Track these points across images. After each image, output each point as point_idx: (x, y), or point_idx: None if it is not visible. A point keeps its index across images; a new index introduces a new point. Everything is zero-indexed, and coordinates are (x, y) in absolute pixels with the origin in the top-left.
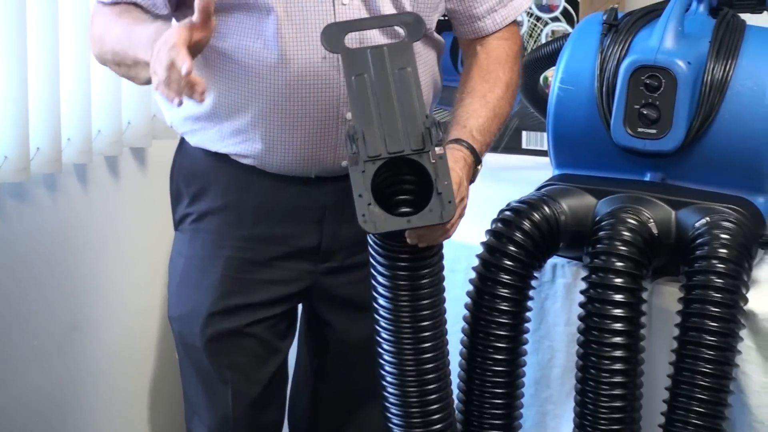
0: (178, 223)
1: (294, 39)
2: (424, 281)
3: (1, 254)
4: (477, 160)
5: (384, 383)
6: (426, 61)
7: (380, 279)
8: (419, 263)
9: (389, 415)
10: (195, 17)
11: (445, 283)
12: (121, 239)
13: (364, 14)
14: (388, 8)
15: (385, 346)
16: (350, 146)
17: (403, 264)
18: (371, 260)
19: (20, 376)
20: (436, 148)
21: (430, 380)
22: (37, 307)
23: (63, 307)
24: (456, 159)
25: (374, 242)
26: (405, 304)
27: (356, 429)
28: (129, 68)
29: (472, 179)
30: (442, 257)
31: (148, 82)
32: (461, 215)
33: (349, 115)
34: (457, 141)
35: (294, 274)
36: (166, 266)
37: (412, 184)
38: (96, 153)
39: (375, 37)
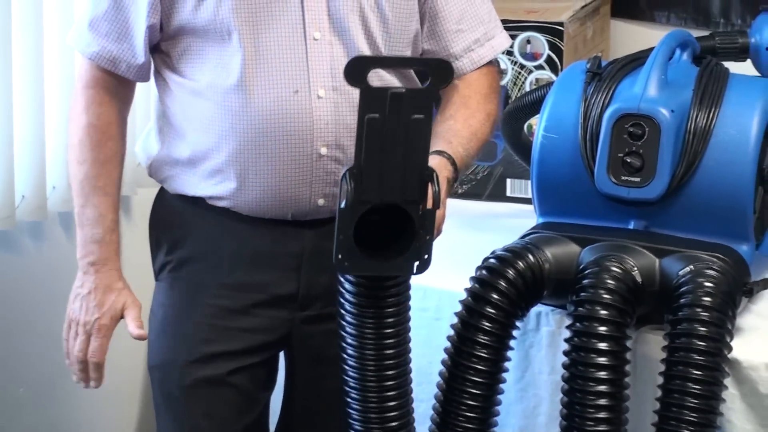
0: (158, 273)
1: (265, 74)
2: (390, 320)
3: None
4: (456, 177)
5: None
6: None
7: (347, 317)
8: (386, 300)
9: None
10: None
11: (429, 331)
12: None
13: (337, 50)
14: (362, 43)
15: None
16: (346, 184)
17: (369, 300)
18: (339, 295)
19: (6, 424)
20: (429, 201)
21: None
22: (24, 355)
23: (49, 355)
24: (441, 183)
25: (344, 278)
26: (370, 342)
27: None
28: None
29: (448, 194)
30: (409, 295)
31: None
32: (439, 234)
33: (323, 150)
34: (441, 153)
35: (272, 321)
36: (148, 315)
37: (393, 224)
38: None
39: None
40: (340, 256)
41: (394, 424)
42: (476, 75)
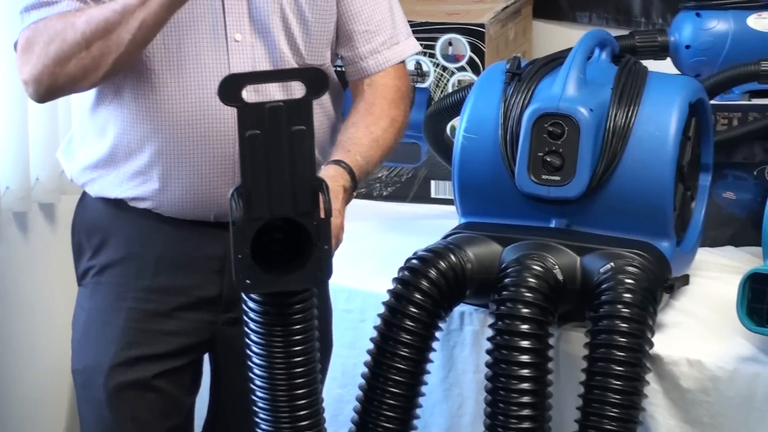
0: (80, 278)
1: (186, 75)
2: (298, 327)
3: None
4: (355, 186)
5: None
6: (320, 100)
7: (253, 336)
8: (292, 315)
9: None
10: None
11: (354, 333)
12: (31, 295)
13: (258, 51)
14: (283, 44)
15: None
16: (235, 204)
17: (276, 316)
18: (244, 314)
19: None
20: (322, 212)
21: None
22: None
23: None
24: (336, 192)
25: (249, 297)
26: (278, 352)
27: None
28: (110, 31)
29: (346, 202)
30: (314, 302)
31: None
32: (338, 243)
33: None
34: (339, 163)
35: (195, 324)
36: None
37: (290, 238)
38: (4, 209)
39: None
40: (240, 276)
41: None
42: (383, 79)
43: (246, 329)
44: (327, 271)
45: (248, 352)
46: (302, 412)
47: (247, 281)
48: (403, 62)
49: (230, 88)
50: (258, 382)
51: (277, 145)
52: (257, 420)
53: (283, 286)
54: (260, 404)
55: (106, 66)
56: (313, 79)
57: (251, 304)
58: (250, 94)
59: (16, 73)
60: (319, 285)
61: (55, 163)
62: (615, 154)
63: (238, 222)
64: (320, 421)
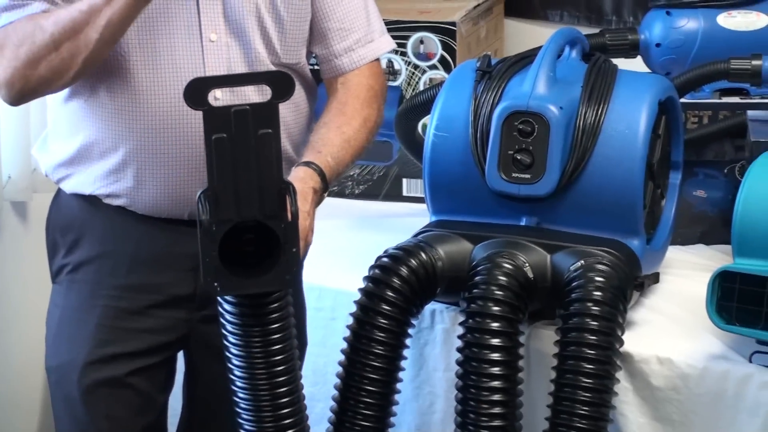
0: (54, 275)
1: (161, 75)
2: (275, 326)
3: None
4: (325, 187)
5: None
6: (294, 99)
7: (231, 329)
8: (268, 311)
9: None
10: None
11: (325, 331)
12: (3, 292)
13: (234, 51)
14: (258, 44)
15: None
16: (201, 207)
17: (252, 314)
18: (221, 316)
19: None
20: (289, 214)
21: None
22: None
23: None
24: (305, 193)
25: (224, 300)
26: (258, 353)
27: None
28: (78, 32)
29: (317, 203)
30: (290, 301)
31: (102, 42)
32: (307, 245)
33: None
34: (309, 164)
35: (170, 322)
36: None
37: (261, 238)
38: None
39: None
40: (209, 279)
41: None
42: (357, 78)
43: (223, 331)
44: (295, 273)
45: (227, 353)
46: (285, 411)
47: (215, 284)
48: (377, 60)
49: (196, 91)
50: (239, 383)
51: (244, 148)
52: (240, 421)
53: (251, 288)
54: (242, 405)
55: (77, 66)
56: (279, 82)
57: (227, 306)
58: (225, 94)
59: None
60: (287, 287)
61: (27, 160)
62: (585, 152)
63: (205, 225)
64: (303, 419)
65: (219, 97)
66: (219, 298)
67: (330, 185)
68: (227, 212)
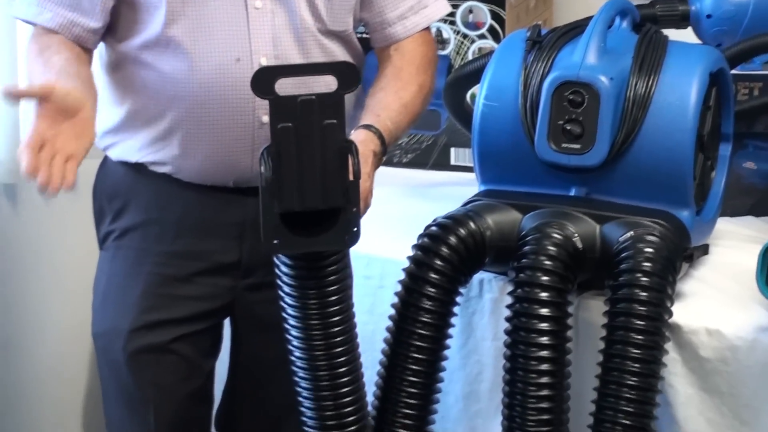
0: (101, 242)
1: (207, 42)
2: (332, 288)
3: None
4: (384, 151)
5: (300, 399)
6: None
7: (287, 290)
8: (325, 274)
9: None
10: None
11: (373, 299)
12: (51, 258)
13: (279, 18)
14: (304, 11)
15: (298, 363)
16: (264, 163)
17: (309, 276)
18: (278, 277)
19: None
20: (351, 173)
21: (345, 393)
22: None
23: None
24: (366, 156)
25: (280, 260)
26: (314, 315)
27: None
28: None
29: (376, 166)
30: (348, 265)
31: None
32: (367, 207)
33: (265, 119)
34: (368, 127)
35: (215, 289)
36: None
37: None
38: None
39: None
40: (268, 236)
41: (349, 409)
42: (411, 45)
43: (280, 293)
44: (355, 233)
45: (283, 316)
46: (343, 380)
47: (275, 242)
48: (428, 28)
49: (263, 80)
50: (296, 348)
51: (309, 138)
52: (297, 389)
53: (310, 247)
54: (300, 374)
55: None
56: (345, 73)
57: (284, 268)
58: (270, 60)
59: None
60: (347, 247)
61: None
62: (635, 123)
63: (266, 181)
64: (360, 385)
65: (264, 63)
66: (276, 260)
67: (388, 149)
68: (290, 201)
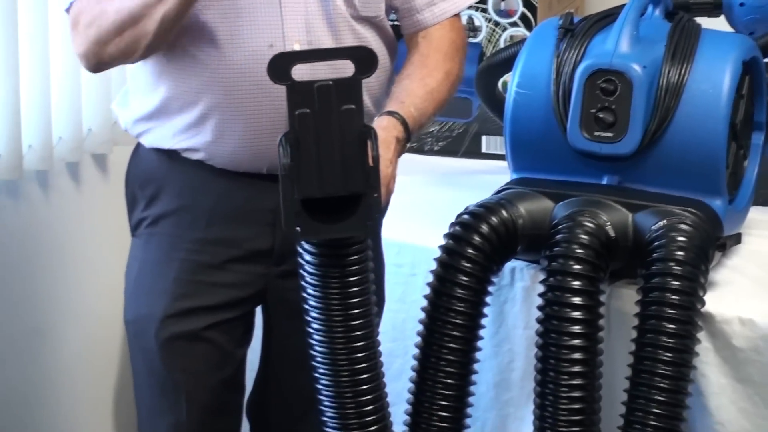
0: (134, 229)
1: (240, 29)
2: (354, 278)
3: None
4: (408, 138)
5: (318, 385)
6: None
7: (310, 279)
8: (347, 262)
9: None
10: None
11: (404, 287)
12: (83, 244)
13: (312, 4)
14: None
15: (317, 347)
16: (282, 150)
17: (331, 263)
18: (300, 265)
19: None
20: (370, 159)
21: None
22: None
23: (25, 312)
24: (388, 142)
25: (303, 247)
26: (335, 303)
27: None
28: (138, 22)
29: (399, 153)
30: (370, 257)
31: (161, 32)
32: (389, 193)
33: None
34: (392, 114)
35: (247, 277)
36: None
37: None
38: (57, 159)
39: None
40: (289, 222)
41: (367, 397)
42: (439, 32)
43: (302, 282)
44: (376, 220)
45: (304, 300)
46: (361, 366)
47: (297, 228)
48: (458, 15)
49: (279, 66)
50: (315, 333)
51: (327, 123)
52: (316, 375)
53: (332, 233)
54: (319, 358)
55: (142, 49)
56: (363, 58)
57: (306, 255)
58: (303, 45)
59: (69, 28)
60: (368, 233)
61: (107, 113)
62: (668, 111)
63: (286, 168)
64: (378, 372)
65: (297, 47)
66: (298, 246)
67: (412, 136)
68: (310, 187)
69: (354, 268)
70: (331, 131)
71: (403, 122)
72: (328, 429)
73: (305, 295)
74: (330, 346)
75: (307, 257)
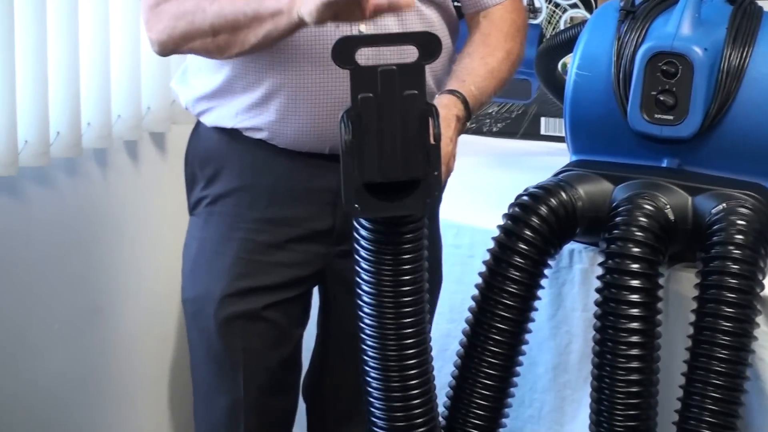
0: (192, 208)
1: None
2: (407, 256)
3: (22, 238)
4: (468, 116)
5: (366, 368)
6: (439, 32)
7: (363, 254)
8: (403, 239)
9: (371, 399)
10: None
11: (462, 268)
12: (141, 223)
13: None
14: None
15: (366, 329)
16: (344, 127)
17: (387, 240)
18: (356, 240)
19: (41, 359)
20: (431, 137)
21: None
22: (58, 291)
23: (84, 291)
24: (449, 120)
25: (359, 223)
26: (387, 280)
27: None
28: (238, 31)
29: (460, 131)
30: (425, 232)
31: (257, 45)
32: (449, 171)
33: None
34: (453, 92)
35: (307, 256)
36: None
37: None
38: (116, 138)
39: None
40: (350, 199)
41: (413, 371)
42: (500, 12)
43: (356, 257)
44: (435, 198)
45: (357, 279)
46: (409, 341)
47: (356, 205)
48: None
49: (343, 50)
50: (366, 310)
51: (389, 108)
52: (364, 347)
53: (392, 211)
54: (367, 331)
55: (229, 53)
56: (427, 43)
57: (363, 232)
58: (369, 27)
59: (130, 8)
60: (427, 212)
61: (166, 92)
62: (729, 95)
63: (347, 145)
64: (426, 350)
65: (363, 30)
66: (354, 223)
67: (473, 114)
68: (371, 173)
69: (408, 246)
70: (393, 116)
71: (464, 101)
72: (371, 407)
73: (358, 269)
74: (379, 321)
75: (363, 232)
